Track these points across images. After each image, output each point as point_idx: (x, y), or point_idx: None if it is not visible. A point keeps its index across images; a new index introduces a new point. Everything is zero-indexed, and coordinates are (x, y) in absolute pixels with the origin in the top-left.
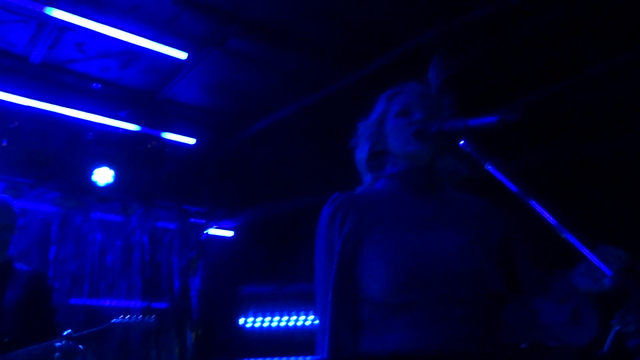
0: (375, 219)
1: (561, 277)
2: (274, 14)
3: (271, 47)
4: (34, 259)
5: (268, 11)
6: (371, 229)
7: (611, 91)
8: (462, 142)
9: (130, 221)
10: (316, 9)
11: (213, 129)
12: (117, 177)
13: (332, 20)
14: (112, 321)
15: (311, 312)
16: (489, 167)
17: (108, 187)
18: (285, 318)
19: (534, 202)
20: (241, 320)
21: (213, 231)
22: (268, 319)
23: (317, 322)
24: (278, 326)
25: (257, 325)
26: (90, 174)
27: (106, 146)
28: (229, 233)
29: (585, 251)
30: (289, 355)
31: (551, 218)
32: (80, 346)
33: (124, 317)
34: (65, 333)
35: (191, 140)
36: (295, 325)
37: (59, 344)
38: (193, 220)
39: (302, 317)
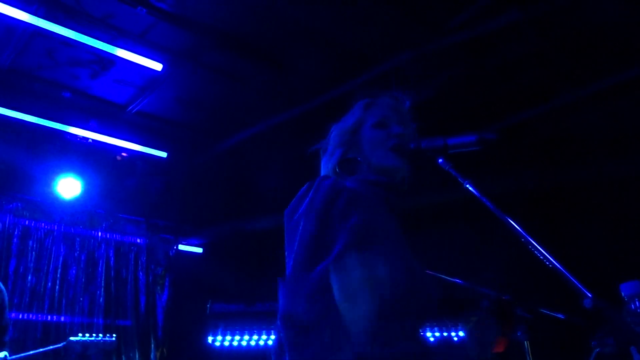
0: (375, 225)
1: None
2: (249, 29)
3: (245, 62)
4: None
5: (243, 26)
6: (373, 234)
7: (583, 118)
8: (440, 160)
9: (96, 235)
10: (292, 26)
11: (185, 142)
12: (84, 188)
13: (308, 38)
14: (70, 339)
15: None
16: (468, 186)
17: (74, 199)
18: (255, 337)
19: (510, 220)
20: (209, 339)
21: (182, 247)
22: (237, 337)
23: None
24: (248, 345)
25: (226, 343)
26: (55, 184)
27: (73, 156)
28: (198, 249)
29: (560, 268)
30: None
31: (527, 236)
32: None
33: (83, 335)
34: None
35: (162, 154)
36: (265, 344)
37: None
38: (161, 235)
39: (273, 337)
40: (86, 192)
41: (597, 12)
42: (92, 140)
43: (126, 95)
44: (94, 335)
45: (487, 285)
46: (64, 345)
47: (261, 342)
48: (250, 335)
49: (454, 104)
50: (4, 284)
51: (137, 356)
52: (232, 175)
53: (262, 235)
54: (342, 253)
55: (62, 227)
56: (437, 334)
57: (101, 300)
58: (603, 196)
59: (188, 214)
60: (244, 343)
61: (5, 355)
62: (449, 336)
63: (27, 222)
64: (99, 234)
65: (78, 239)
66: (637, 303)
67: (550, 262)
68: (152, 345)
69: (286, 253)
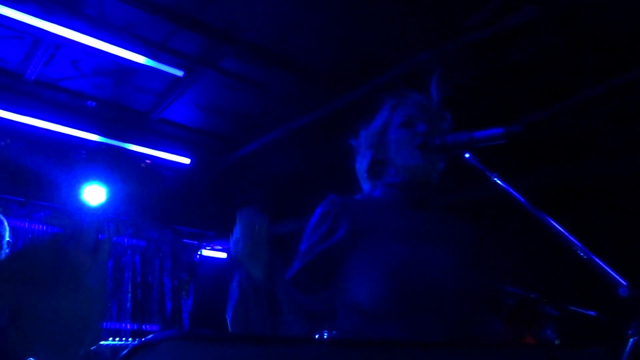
0: (370, 225)
1: None
2: (268, 35)
3: (265, 68)
4: None
5: (262, 32)
6: (365, 235)
7: (602, 114)
8: (467, 155)
9: (122, 241)
10: (310, 30)
11: (207, 149)
12: (109, 196)
13: (326, 42)
14: (100, 343)
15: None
16: (496, 179)
17: (100, 206)
18: None
19: (543, 214)
20: None
21: (206, 252)
22: None
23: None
24: None
25: None
26: (82, 192)
27: (99, 165)
28: (222, 254)
29: (597, 261)
30: None
31: (562, 229)
32: None
33: (112, 340)
34: None
35: (185, 160)
36: None
37: None
38: (185, 241)
39: None
40: (112, 200)
41: (616, 7)
42: (117, 148)
43: (148, 103)
44: (123, 339)
45: (513, 283)
46: (94, 350)
47: None
48: None
49: (474, 102)
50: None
51: None
52: (254, 180)
53: (284, 239)
54: None
55: None
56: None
57: (128, 305)
58: (626, 190)
59: (211, 220)
60: None
61: None
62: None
63: (55, 230)
64: (125, 240)
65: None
66: None
67: (585, 253)
68: None
69: None
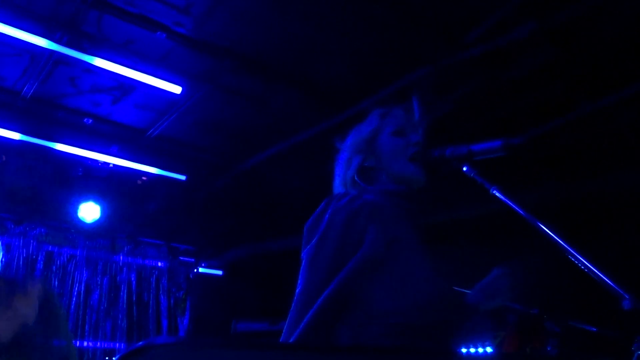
0: (395, 235)
1: None
2: (266, 51)
3: (263, 84)
4: None
5: (261, 48)
6: (392, 245)
7: (600, 131)
8: (465, 167)
9: (118, 259)
10: (310, 46)
11: (204, 165)
12: (105, 213)
13: (326, 57)
14: None
15: None
16: (495, 192)
17: (95, 224)
18: None
19: (543, 226)
20: None
21: (202, 270)
22: None
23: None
24: None
25: None
26: (78, 210)
27: (95, 182)
28: (219, 272)
29: (600, 274)
30: None
31: (560, 240)
32: None
33: None
34: None
35: (181, 177)
36: None
37: None
38: (182, 258)
39: None
40: (108, 217)
41: (614, 22)
42: (113, 165)
43: (146, 119)
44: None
45: (514, 299)
46: None
47: None
48: None
49: (473, 117)
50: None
51: None
52: (251, 196)
53: (283, 256)
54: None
55: (85, 252)
56: (463, 350)
57: (123, 324)
58: (627, 205)
59: (208, 237)
60: None
61: None
62: (477, 352)
63: (50, 248)
64: (121, 258)
65: (100, 263)
66: None
67: (586, 266)
68: None
69: (302, 264)
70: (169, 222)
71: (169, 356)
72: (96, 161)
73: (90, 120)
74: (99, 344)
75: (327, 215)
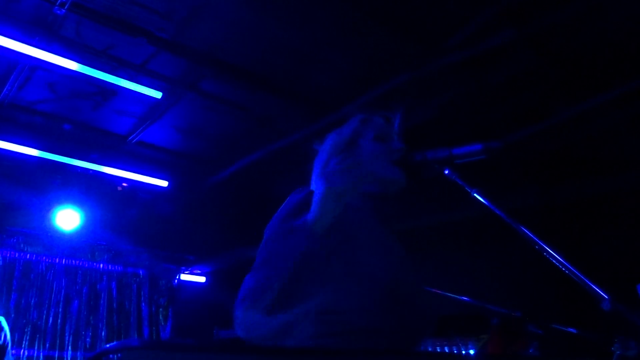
0: (350, 234)
1: None
2: (248, 57)
3: (246, 90)
4: None
5: (243, 54)
6: (347, 240)
7: (578, 136)
8: (446, 170)
9: (98, 267)
10: (291, 53)
11: (186, 171)
12: (85, 220)
13: (307, 63)
14: None
15: None
16: (476, 195)
17: (75, 231)
18: None
19: (523, 229)
20: None
21: (185, 277)
22: None
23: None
24: None
25: None
26: (56, 217)
27: (74, 189)
28: (201, 279)
29: (577, 273)
30: None
31: (541, 243)
32: None
33: None
34: None
35: (163, 183)
36: None
37: None
38: (164, 265)
39: None
40: (87, 224)
41: (592, 29)
42: (93, 171)
43: (127, 125)
44: None
45: (497, 302)
46: None
47: None
48: None
49: (454, 123)
50: (5, 320)
51: None
52: (234, 203)
53: None
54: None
55: (64, 260)
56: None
57: (103, 333)
58: (605, 209)
59: (190, 244)
60: None
61: None
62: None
63: (28, 256)
64: (101, 265)
65: (80, 271)
66: None
67: (567, 269)
68: None
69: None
70: (150, 229)
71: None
72: (76, 167)
73: (70, 126)
74: (79, 353)
75: (279, 210)
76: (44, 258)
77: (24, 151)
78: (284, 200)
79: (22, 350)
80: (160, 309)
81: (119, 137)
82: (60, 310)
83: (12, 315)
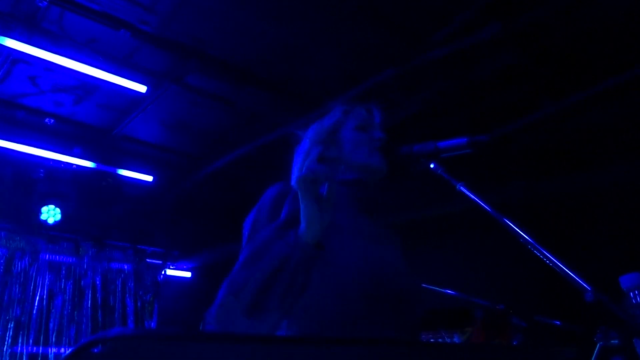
0: (332, 222)
1: None
2: (234, 51)
3: (231, 84)
4: None
5: (228, 48)
6: (326, 231)
7: (563, 131)
8: (432, 164)
9: (82, 262)
10: (276, 48)
11: (171, 166)
12: (69, 216)
13: (294, 58)
14: None
15: None
16: (461, 188)
17: (58, 226)
18: None
19: (508, 222)
20: None
21: (170, 272)
22: None
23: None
24: None
25: None
26: (40, 213)
27: (58, 184)
28: (187, 274)
29: (561, 266)
30: None
31: (525, 235)
32: None
33: None
34: None
35: (148, 178)
36: None
37: None
38: (149, 260)
39: None
40: (71, 220)
41: (577, 24)
42: (76, 166)
43: (110, 119)
44: None
45: (481, 296)
46: None
47: None
48: None
49: (440, 117)
50: None
51: None
52: (220, 198)
53: None
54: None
55: (47, 256)
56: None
57: (88, 329)
58: (590, 204)
59: (175, 239)
60: None
61: None
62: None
63: (11, 252)
64: (85, 261)
65: (64, 267)
66: (637, 295)
67: (550, 261)
68: None
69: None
70: (135, 224)
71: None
72: (59, 162)
73: (52, 121)
74: (62, 350)
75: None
76: (27, 254)
77: (6, 146)
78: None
79: (4, 347)
80: (146, 305)
81: (103, 131)
82: (44, 306)
83: None
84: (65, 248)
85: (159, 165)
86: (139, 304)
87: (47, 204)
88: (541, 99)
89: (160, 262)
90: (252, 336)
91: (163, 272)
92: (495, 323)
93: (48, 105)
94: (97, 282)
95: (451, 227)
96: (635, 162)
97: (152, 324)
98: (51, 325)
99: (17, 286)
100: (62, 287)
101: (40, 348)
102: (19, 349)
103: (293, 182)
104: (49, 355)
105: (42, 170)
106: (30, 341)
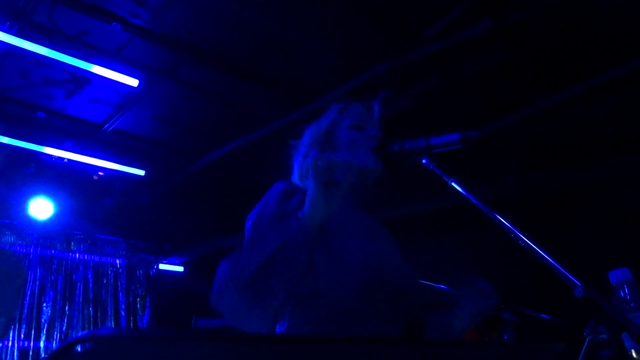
0: (332, 219)
1: None
2: (226, 45)
3: (224, 78)
4: None
5: (221, 41)
6: (329, 228)
7: (555, 126)
8: (424, 160)
9: (74, 256)
10: (268, 42)
11: (163, 160)
12: (60, 210)
13: (287, 52)
14: None
15: None
16: (453, 183)
17: (50, 221)
18: None
19: (499, 217)
20: None
21: (163, 266)
22: None
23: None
24: None
25: None
26: (30, 207)
27: (49, 178)
28: (179, 268)
29: (551, 261)
30: None
31: (516, 230)
32: None
33: None
34: None
35: (140, 172)
36: None
37: None
38: (141, 255)
39: None
40: (63, 214)
41: (569, 19)
42: (68, 160)
43: (102, 113)
44: None
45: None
46: None
47: None
48: None
49: (432, 113)
50: None
51: None
52: (212, 192)
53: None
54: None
55: (39, 250)
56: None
57: (80, 324)
58: (582, 200)
59: (168, 233)
60: None
61: None
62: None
63: (1, 246)
64: (77, 255)
65: (55, 261)
66: (626, 290)
67: (541, 257)
68: None
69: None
70: (127, 218)
71: (115, 348)
72: (50, 156)
73: (43, 114)
74: (54, 344)
75: (261, 202)
76: (19, 248)
77: None
78: (262, 190)
79: None
80: (138, 299)
81: (94, 125)
82: (35, 300)
83: None
84: (57, 242)
85: (151, 159)
86: (130, 299)
87: (38, 198)
88: (532, 94)
89: (152, 256)
90: (242, 335)
91: (155, 267)
92: (487, 318)
93: (39, 98)
94: (89, 277)
95: (443, 223)
96: (626, 157)
97: (145, 318)
98: (42, 319)
99: None
100: (54, 281)
101: (32, 342)
102: (10, 343)
103: (294, 178)
104: (40, 350)
105: (33, 164)
106: (22, 335)
